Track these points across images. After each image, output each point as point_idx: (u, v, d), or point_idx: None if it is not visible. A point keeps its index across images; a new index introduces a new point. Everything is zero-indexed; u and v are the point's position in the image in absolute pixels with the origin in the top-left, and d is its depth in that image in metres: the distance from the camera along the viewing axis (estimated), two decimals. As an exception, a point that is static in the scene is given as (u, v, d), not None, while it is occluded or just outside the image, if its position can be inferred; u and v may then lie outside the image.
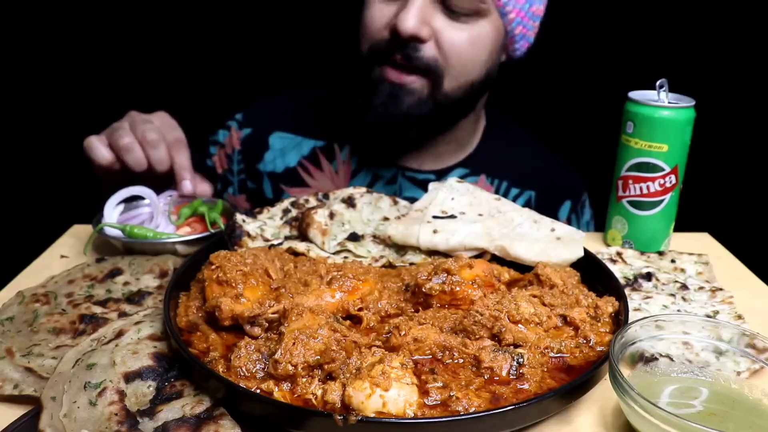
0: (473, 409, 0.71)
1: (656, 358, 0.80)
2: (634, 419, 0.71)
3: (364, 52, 1.32)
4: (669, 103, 1.15)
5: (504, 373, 0.77)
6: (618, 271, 1.11)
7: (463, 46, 1.26)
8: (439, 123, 1.36)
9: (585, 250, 1.05)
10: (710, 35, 2.21)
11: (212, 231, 1.16)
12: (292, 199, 1.21)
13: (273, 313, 0.82)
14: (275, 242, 1.09)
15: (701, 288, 1.06)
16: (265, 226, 1.14)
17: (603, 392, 0.79)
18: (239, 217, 1.13)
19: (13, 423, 0.72)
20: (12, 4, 2.30)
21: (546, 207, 1.47)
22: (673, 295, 1.03)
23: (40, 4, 2.31)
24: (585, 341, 0.84)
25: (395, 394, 0.69)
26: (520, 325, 0.83)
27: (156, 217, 1.20)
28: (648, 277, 1.09)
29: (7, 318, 0.94)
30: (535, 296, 0.89)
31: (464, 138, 1.49)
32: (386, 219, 1.17)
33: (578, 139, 2.22)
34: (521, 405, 0.69)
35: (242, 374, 0.74)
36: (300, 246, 1.07)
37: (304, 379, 0.72)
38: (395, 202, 1.22)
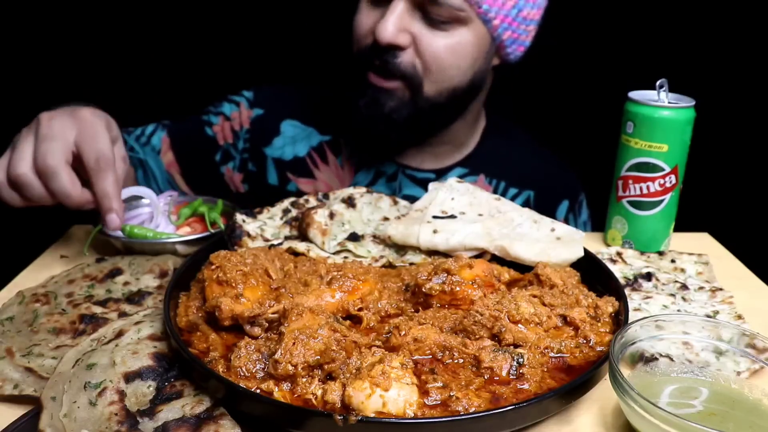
0: (473, 409, 0.70)
1: (656, 358, 0.80)
2: (634, 419, 0.71)
3: (354, 56, 1.34)
4: (669, 103, 1.15)
5: (504, 373, 0.77)
6: (618, 271, 1.11)
7: (442, 53, 1.26)
8: (421, 127, 1.37)
9: (585, 250, 1.05)
10: (710, 35, 2.21)
11: (212, 231, 1.16)
12: (292, 199, 1.20)
13: (273, 313, 0.82)
14: (275, 242, 1.09)
15: (701, 288, 1.06)
16: (265, 226, 1.14)
17: (603, 392, 0.79)
18: (239, 217, 1.13)
19: (13, 423, 0.72)
20: (12, 4, 2.30)
21: (544, 207, 1.47)
22: (673, 295, 1.03)
23: (40, 3, 2.31)
24: (585, 341, 0.84)
25: (395, 394, 0.69)
26: (520, 325, 0.83)
27: (156, 217, 1.20)
28: (648, 277, 1.09)
29: (7, 318, 0.94)
30: (535, 296, 0.89)
31: (462, 138, 1.50)
32: (386, 219, 1.17)
33: (578, 139, 2.22)
34: (521, 405, 0.69)
35: (242, 374, 0.74)
36: (300, 246, 1.07)
37: (304, 379, 0.72)
38: (395, 202, 1.22)
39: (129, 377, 0.76)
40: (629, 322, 0.82)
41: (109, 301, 0.98)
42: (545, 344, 0.82)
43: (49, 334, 0.89)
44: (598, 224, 1.34)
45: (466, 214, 1.13)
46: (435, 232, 1.06)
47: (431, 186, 1.21)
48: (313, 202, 1.20)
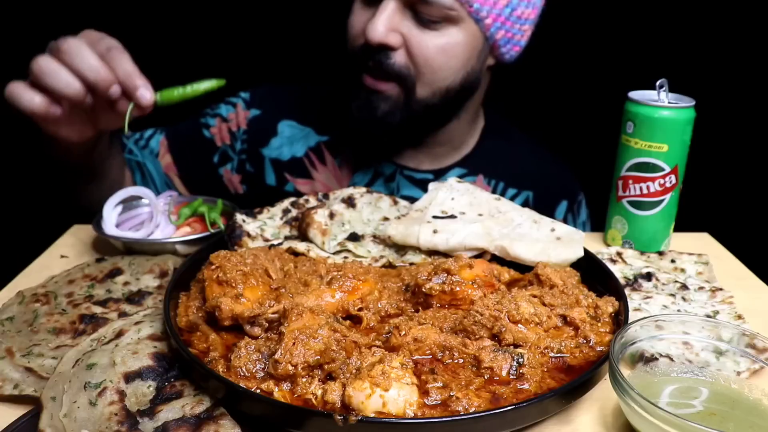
0: (473, 409, 0.70)
1: (656, 358, 0.80)
2: (634, 419, 0.71)
3: (348, 56, 1.34)
4: (669, 103, 1.15)
5: (504, 373, 0.77)
6: (618, 271, 1.11)
7: (433, 53, 1.25)
8: (415, 129, 1.37)
9: (585, 250, 1.05)
10: (710, 35, 2.21)
11: (212, 231, 1.16)
12: (292, 199, 1.20)
13: (273, 313, 0.82)
14: (275, 242, 1.09)
15: (701, 288, 1.06)
16: (265, 226, 1.14)
17: (603, 392, 0.79)
18: (239, 217, 1.13)
19: (13, 423, 0.72)
20: (12, 3, 2.30)
21: (543, 207, 1.47)
22: (673, 295, 1.03)
23: (40, 6, 2.31)
24: (585, 341, 0.84)
25: (395, 394, 0.69)
26: (520, 325, 0.83)
27: (156, 217, 1.20)
28: (648, 277, 1.09)
29: (7, 318, 0.94)
30: (535, 296, 0.89)
31: (459, 138, 1.50)
32: (386, 219, 1.17)
33: (578, 139, 2.22)
34: (521, 405, 0.69)
35: (242, 374, 0.74)
36: (300, 246, 1.07)
37: (304, 379, 0.72)
38: (395, 202, 1.22)
39: (129, 377, 0.76)
40: (629, 322, 0.82)
41: (109, 301, 0.98)
42: (545, 344, 0.82)
43: (49, 334, 0.89)
44: (598, 224, 1.34)
45: (466, 214, 1.13)
46: (435, 232, 1.06)
47: (431, 186, 1.21)
48: (313, 202, 1.20)
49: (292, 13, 2.30)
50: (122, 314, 0.94)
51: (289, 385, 0.72)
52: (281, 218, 1.16)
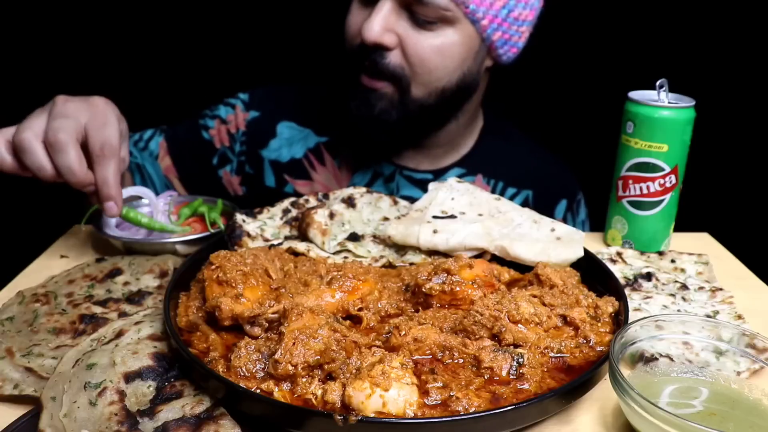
0: (473, 409, 0.70)
1: (656, 358, 0.80)
2: (634, 419, 0.71)
3: (346, 56, 1.34)
4: (669, 103, 1.15)
5: (504, 373, 0.77)
6: (618, 271, 1.11)
7: (428, 53, 1.25)
8: (412, 128, 1.37)
9: (585, 250, 1.05)
10: (710, 35, 2.21)
11: (212, 231, 1.16)
12: (292, 199, 1.20)
13: (273, 313, 0.82)
14: (275, 242, 1.09)
15: (701, 288, 1.06)
16: (265, 226, 1.14)
17: (603, 392, 0.79)
18: (239, 217, 1.13)
19: (13, 423, 0.72)
20: (12, 3, 2.30)
21: (542, 206, 1.47)
22: (673, 295, 1.03)
23: (41, 9, 2.31)
24: (585, 341, 0.84)
25: (395, 394, 0.69)
26: (520, 325, 0.83)
27: (156, 217, 1.20)
28: (648, 277, 1.09)
29: (7, 318, 0.94)
30: (535, 296, 0.89)
31: (458, 139, 1.50)
32: (386, 219, 1.17)
33: (578, 139, 2.22)
34: (521, 405, 0.69)
35: (242, 374, 0.74)
36: (300, 246, 1.07)
37: (304, 379, 0.72)
38: (395, 202, 1.22)
39: (129, 377, 0.76)
40: (629, 322, 0.82)
41: (109, 301, 0.98)
42: (545, 344, 0.82)
43: (49, 334, 0.89)
44: (598, 224, 1.34)
45: (466, 214, 1.13)
46: (435, 232, 1.06)
47: (431, 186, 1.21)
48: (313, 202, 1.20)
49: (291, 14, 2.30)
50: (122, 314, 0.94)
51: (289, 385, 0.72)
52: (281, 218, 1.16)
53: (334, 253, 1.08)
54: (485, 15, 1.25)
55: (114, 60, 2.29)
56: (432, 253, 1.08)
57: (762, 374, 0.79)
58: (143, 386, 0.76)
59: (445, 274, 0.91)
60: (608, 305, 0.89)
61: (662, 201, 1.18)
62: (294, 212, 1.17)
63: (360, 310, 0.88)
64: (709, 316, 0.97)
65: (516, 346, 0.81)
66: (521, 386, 0.75)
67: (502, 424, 0.69)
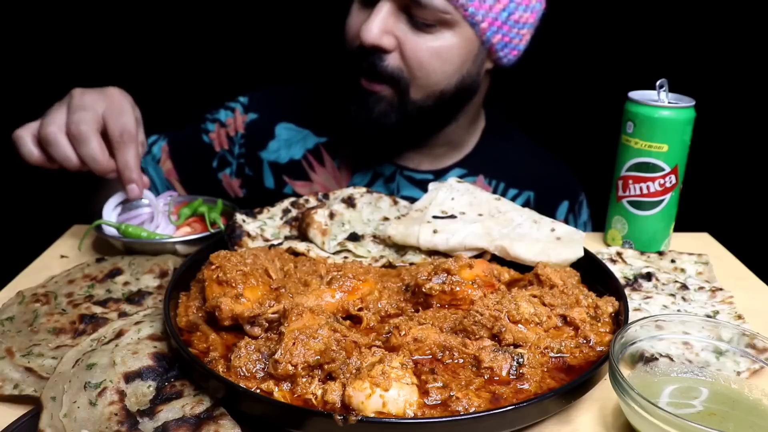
0: (473, 409, 0.70)
1: (656, 358, 0.80)
2: (634, 419, 0.71)
3: (346, 58, 1.34)
4: (669, 103, 1.15)
5: (504, 373, 0.77)
6: (618, 271, 1.11)
7: (426, 56, 1.25)
8: (411, 131, 1.36)
9: (585, 250, 1.05)
10: (710, 35, 2.21)
11: (212, 231, 1.16)
12: (292, 199, 1.20)
13: (273, 313, 0.82)
14: (275, 242, 1.09)
15: (701, 288, 1.06)
16: (265, 226, 1.14)
17: (603, 392, 0.79)
18: (239, 217, 1.13)
19: (13, 423, 0.72)
20: (12, 3, 2.30)
21: (544, 207, 1.47)
22: (673, 295, 1.03)
23: (42, 13, 2.31)
24: (585, 341, 0.84)
25: (395, 394, 0.69)
26: (520, 325, 0.83)
27: (156, 217, 1.20)
28: (648, 277, 1.09)
29: (7, 318, 0.94)
30: (535, 296, 0.89)
31: (459, 140, 1.49)
32: (386, 219, 1.17)
33: (578, 139, 2.22)
34: (521, 405, 0.69)
35: (242, 374, 0.74)
36: (300, 246, 1.07)
37: (304, 379, 0.72)
38: (395, 202, 1.22)
39: (129, 377, 0.76)
40: (629, 322, 0.82)
41: (109, 301, 0.98)
42: (545, 344, 0.82)
43: (49, 334, 0.89)
44: (598, 224, 1.34)
45: (466, 214, 1.13)
46: (435, 232, 1.06)
47: (431, 186, 1.21)
48: (313, 202, 1.20)
49: (291, 15, 2.30)
50: (122, 314, 0.94)
51: (289, 385, 0.72)
52: (281, 218, 1.16)
53: (334, 253, 1.08)
54: (485, 18, 1.25)
55: (115, 63, 2.29)
56: (432, 253, 1.08)
57: (762, 374, 0.79)
58: (143, 386, 0.76)
59: (445, 274, 0.91)
60: (608, 305, 0.89)
61: (662, 201, 1.18)
62: (294, 212, 1.17)
63: (360, 310, 0.88)
64: (709, 316, 0.97)
65: (516, 346, 0.81)
66: (521, 386, 0.75)
67: (502, 424, 0.69)
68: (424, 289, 0.90)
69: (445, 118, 1.40)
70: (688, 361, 0.81)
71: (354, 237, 1.10)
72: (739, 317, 0.97)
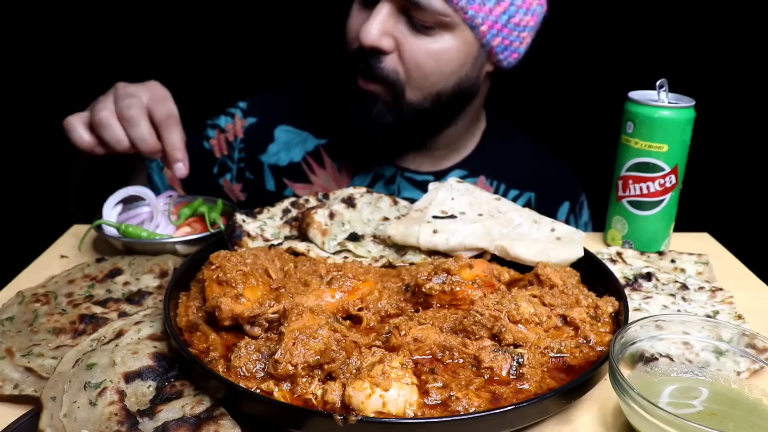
0: (473, 409, 0.70)
1: (656, 358, 0.80)
2: (634, 419, 0.71)
3: (345, 59, 1.35)
4: (669, 103, 1.15)
5: (504, 373, 0.77)
6: (618, 271, 1.11)
7: (424, 58, 1.25)
8: (409, 132, 1.36)
9: (585, 250, 1.05)
10: (710, 35, 2.21)
11: (212, 231, 1.16)
12: (292, 199, 1.20)
13: (273, 313, 0.82)
14: (275, 242, 1.09)
15: (701, 288, 1.06)
16: (265, 226, 1.14)
17: (603, 392, 0.79)
18: (239, 217, 1.13)
19: (13, 423, 0.72)
20: (12, 3, 2.30)
21: (545, 208, 1.47)
22: (673, 295, 1.03)
23: (43, 16, 2.31)
24: (585, 341, 0.84)
25: (395, 394, 0.69)
26: (520, 325, 0.83)
27: (156, 217, 1.20)
28: (648, 277, 1.09)
29: (7, 318, 0.94)
30: (535, 296, 0.89)
31: (459, 141, 1.49)
32: (386, 219, 1.17)
33: (578, 139, 2.23)
34: (521, 405, 0.69)
35: (242, 374, 0.74)
36: (300, 246, 1.07)
37: (304, 379, 0.72)
38: (395, 202, 1.22)
39: (129, 377, 0.76)
40: (629, 322, 0.82)
41: (109, 301, 0.98)
42: (545, 344, 0.82)
43: (49, 334, 0.89)
44: (598, 224, 1.34)
45: (466, 214, 1.13)
46: (435, 232, 1.06)
47: (431, 186, 1.21)
48: (313, 202, 1.20)
49: (291, 16, 2.31)
50: (122, 314, 0.94)
51: (289, 385, 0.72)
52: (281, 218, 1.16)
53: (334, 253, 1.08)
54: (484, 21, 1.25)
55: (116, 68, 2.29)
56: (432, 253, 1.08)
57: (762, 374, 0.79)
58: (143, 386, 0.76)
59: (445, 274, 0.91)
60: (608, 305, 0.89)
61: (662, 201, 1.18)
62: (294, 212, 1.17)
63: (360, 310, 0.88)
64: (709, 316, 0.97)
65: (516, 346, 0.81)
66: (521, 386, 0.75)
67: (502, 424, 0.69)
68: (424, 289, 0.90)
69: (444, 119, 1.40)
70: (688, 361, 0.81)
71: (354, 237, 1.10)
72: (739, 317, 0.97)
